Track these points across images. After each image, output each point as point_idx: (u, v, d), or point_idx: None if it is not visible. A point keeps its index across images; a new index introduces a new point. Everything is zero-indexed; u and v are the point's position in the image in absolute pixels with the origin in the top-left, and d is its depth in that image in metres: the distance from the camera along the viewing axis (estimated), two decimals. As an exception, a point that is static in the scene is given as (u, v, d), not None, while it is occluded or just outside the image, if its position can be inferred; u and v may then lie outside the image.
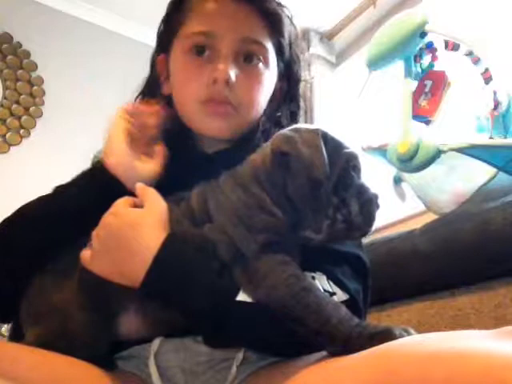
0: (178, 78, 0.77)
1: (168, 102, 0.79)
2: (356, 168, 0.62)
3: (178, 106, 0.78)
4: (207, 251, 0.59)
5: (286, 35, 0.80)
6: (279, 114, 0.83)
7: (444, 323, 1.11)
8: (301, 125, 0.66)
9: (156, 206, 0.64)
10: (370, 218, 0.61)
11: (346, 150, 0.62)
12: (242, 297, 0.57)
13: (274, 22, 0.77)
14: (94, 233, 0.63)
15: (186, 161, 0.76)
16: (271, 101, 0.81)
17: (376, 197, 0.62)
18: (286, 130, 0.64)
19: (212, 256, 0.59)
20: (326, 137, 0.61)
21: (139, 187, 0.66)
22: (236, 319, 0.57)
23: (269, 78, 0.78)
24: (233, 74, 0.73)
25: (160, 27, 0.83)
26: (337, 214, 0.59)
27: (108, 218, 0.63)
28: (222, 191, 0.63)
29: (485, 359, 0.35)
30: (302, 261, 0.60)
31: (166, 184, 0.70)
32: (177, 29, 0.77)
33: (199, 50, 0.74)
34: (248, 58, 0.75)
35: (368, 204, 0.60)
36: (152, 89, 0.83)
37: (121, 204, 0.64)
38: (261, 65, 0.76)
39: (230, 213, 0.61)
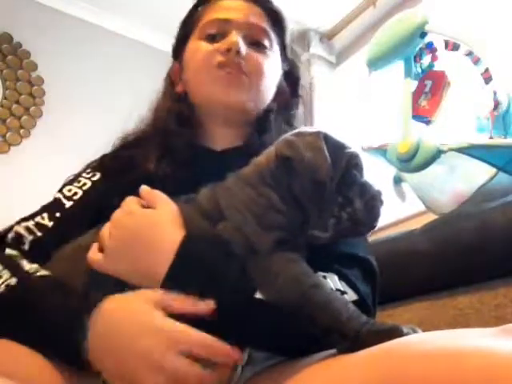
0: (194, 64, 0.83)
1: (179, 100, 0.85)
2: (358, 166, 0.63)
3: (194, 89, 0.84)
4: (226, 248, 0.60)
5: (288, 37, 0.87)
6: (292, 112, 0.88)
7: (444, 323, 1.11)
8: (302, 128, 0.68)
9: (168, 205, 0.64)
10: (374, 214, 0.63)
11: (348, 150, 0.63)
12: (259, 295, 0.57)
13: (278, 22, 0.85)
14: (105, 233, 0.63)
15: (196, 159, 0.77)
16: (279, 97, 0.86)
17: (380, 193, 0.63)
18: (288, 135, 0.66)
19: (229, 253, 0.59)
20: (327, 138, 0.63)
21: (145, 190, 0.66)
22: (254, 317, 0.57)
23: (275, 64, 0.85)
24: (243, 46, 0.79)
25: (176, 36, 0.91)
26: (342, 212, 0.61)
27: (123, 217, 0.63)
28: (230, 190, 0.64)
29: (486, 357, 0.36)
30: (315, 261, 0.61)
31: (177, 182, 0.71)
32: (191, 31, 0.85)
33: (212, 38, 0.81)
34: (256, 43, 0.82)
35: (372, 200, 0.62)
36: (165, 91, 0.89)
37: (133, 203, 0.64)
38: (267, 51, 0.83)
39: (243, 210, 0.61)
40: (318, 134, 0.63)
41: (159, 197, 0.65)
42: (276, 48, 0.85)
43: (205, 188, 0.67)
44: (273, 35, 0.84)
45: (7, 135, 2.50)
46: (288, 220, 0.61)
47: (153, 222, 0.61)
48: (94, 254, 0.62)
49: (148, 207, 0.64)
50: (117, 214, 0.64)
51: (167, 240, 0.60)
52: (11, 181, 2.40)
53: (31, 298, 0.58)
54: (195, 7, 0.88)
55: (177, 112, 0.83)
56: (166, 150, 0.79)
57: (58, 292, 0.59)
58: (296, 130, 0.67)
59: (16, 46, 2.60)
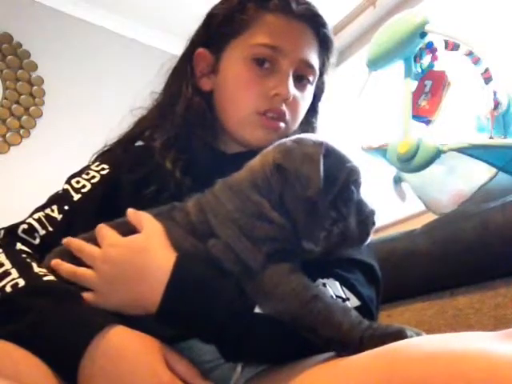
0: (235, 84, 0.78)
1: (202, 96, 0.81)
2: (357, 183, 0.62)
3: (226, 110, 0.80)
4: (218, 268, 0.58)
5: (332, 60, 0.86)
6: (308, 124, 0.87)
7: (444, 323, 1.11)
8: (305, 135, 0.66)
9: (154, 227, 0.63)
10: (365, 235, 0.62)
11: (349, 164, 0.61)
12: (258, 309, 0.57)
13: (326, 47, 0.83)
14: (88, 273, 0.60)
15: (205, 161, 0.77)
16: None
17: (373, 213, 0.63)
18: (288, 140, 0.63)
19: (222, 273, 0.58)
20: (329, 150, 0.61)
21: (131, 212, 0.65)
22: (255, 332, 0.56)
23: (311, 94, 0.84)
24: (292, 93, 0.76)
25: (209, 21, 0.82)
26: (333, 227, 0.59)
27: (107, 250, 0.61)
28: (218, 200, 0.62)
29: (487, 360, 0.36)
30: (316, 267, 0.60)
31: (189, 183, 0.71)
32: (237, 32, 0.78)
33: (260, 61, 0.76)
34: (299, 77, 0.80)
35: (365, 220, 0.62)
36: (186, 79, 0.82)
37: (111, 234, 0.62)
38: (309, 86, 0.82)
39: (231, 224, 0.59)
40: (319, 145, 0.60)
41: (145, 218, 0.64)
42: (316, 76, 0.83)
43: (192, 198, 0.65)
44: (318, 66, 0.82)
45: (7, 135, 2.50)
46: (280, 228, 0.59)
47: (142, 248, 0.60)
48: (87, 294, 0.60)
49: (131, 231, 0.63)
50: (95, 250, 0.61)
51: (159, 265, 0.58)
52: (11, 181, 2.40)
53: (38, 303, 0.57)
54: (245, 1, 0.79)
55: (199, 112, 0.80)
56: (183, 149, 0.77)
57: (64, 301, 0.58)
58: (298, 136, 0.65)
59: (16, 46, 2.60)
